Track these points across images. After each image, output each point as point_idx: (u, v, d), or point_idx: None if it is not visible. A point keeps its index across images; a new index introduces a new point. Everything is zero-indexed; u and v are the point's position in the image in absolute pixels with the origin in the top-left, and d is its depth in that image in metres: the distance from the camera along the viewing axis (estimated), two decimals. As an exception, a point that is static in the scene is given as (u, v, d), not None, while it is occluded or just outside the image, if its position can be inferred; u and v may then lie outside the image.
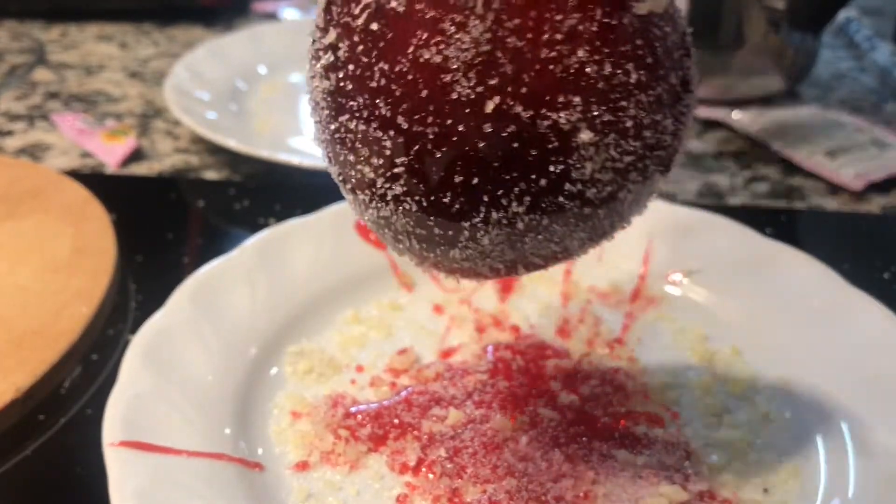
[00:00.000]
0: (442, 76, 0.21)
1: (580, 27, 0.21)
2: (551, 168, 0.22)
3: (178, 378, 0.34)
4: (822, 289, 0.38)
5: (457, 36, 0.21)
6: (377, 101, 0.22)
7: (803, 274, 0.39)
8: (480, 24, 0.21)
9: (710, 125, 0.63)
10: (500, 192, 0.22)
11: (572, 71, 0.21)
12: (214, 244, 0.49)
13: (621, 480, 0.31)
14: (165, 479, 0.29)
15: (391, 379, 0.37)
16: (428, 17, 0.21)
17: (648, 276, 0.42)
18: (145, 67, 0.75)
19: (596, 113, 0.21)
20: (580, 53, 0.21)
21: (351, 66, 0.23)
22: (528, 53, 0.21)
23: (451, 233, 0.23)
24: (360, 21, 0.22)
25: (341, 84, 0.23)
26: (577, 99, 0.21)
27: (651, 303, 0.41)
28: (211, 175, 0.56)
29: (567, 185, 0.22)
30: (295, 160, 0.52)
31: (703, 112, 0.63)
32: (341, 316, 0.40)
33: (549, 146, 0.21)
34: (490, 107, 0.21)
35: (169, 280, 0.39)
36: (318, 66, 0.24)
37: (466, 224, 0.23)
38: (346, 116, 0.23)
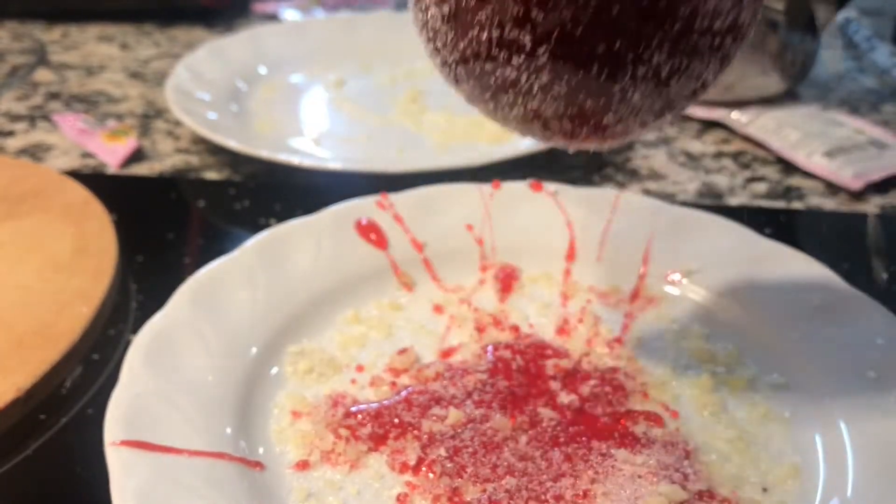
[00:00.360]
0: None
1: None
2: (680, 12, 0.24)
3: (179, 378, 0.34)
4: (821, 289, 0.38)
5: None
6: (506, 5, 0.24)
7: (802, 274, 0.39)
8: None
9: (709, 125, 0.63)
10: (641, 50, 0.24)
11: None
12: (215, 244, 0.49)
13: (620, 479, 0.31)
14: (166, 478, 0.29)
15: (391, 378, 0.37)
16: None
17: (648, 276, 0.42)
18: (146, 68, 0.75)
19: None
20: None
21: None
22: None
23: (603, 100, 0.25)
24: None
25: (464, 3, 0.25)
26: None
27: (650, 302, 0.41)
28: (211, 175, 0.56)
29: (697, 24, 0.24)
30: (295, 160, 0.52)
31: (702, 113, 0.63)
32: (341, 316, 0.40)
33: None
34: None
35: (170, 280, 0.39)
36: None
37: (617, 88, 0.25)
38: (476, 30, 0.25)
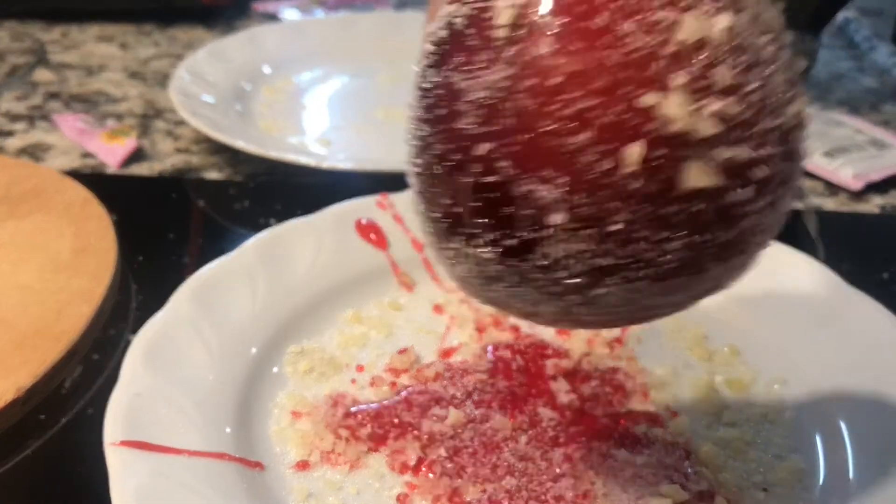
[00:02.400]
0: (456, 103, 0.21)
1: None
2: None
3: (179, 378, 0.34)
4: (821, 289, 0.38)
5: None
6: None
7: (802, 274, 0.39)
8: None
9: (709, 125, 0.63)
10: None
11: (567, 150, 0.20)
12: (215, 244, 0.49)
13: (621, 480, 0.31)
14: (166, 478, 0.29)
15: (391, 378, 0.37)
16: (470, 43, 0.21)
17: (648, 276, 0.42)
18: (146, 68, 0.75)
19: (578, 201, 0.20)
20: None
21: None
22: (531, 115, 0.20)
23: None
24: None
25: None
26: (562, 179, 0.20)
27: (650, 303, 0.41)
28: (212, 175, 0.56)
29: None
30: (303, 160, 0.52)
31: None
32: (342, 316, 0.40)
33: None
34: (481, 150, 0.20)
35: (170, 280, 0.39)
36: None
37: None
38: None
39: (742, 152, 0.20)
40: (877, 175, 0.54)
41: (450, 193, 0.22)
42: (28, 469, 0.34)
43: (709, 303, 0.40)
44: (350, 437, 0.33)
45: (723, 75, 0.19)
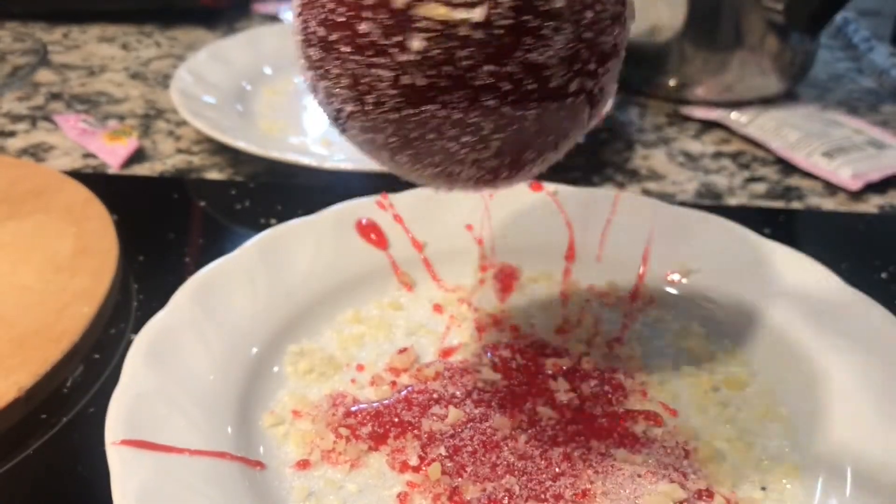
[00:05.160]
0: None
1: None
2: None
3: (180, 377, 0.34)
4: (820, 289, 0.38)
5: None
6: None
7: (801, 274, 0.39)
8: None
9: (708, 126, 0.63)
10: None
11: None
12: (216, 244, 0.49)
13: (620, 479, 0.32)
14: (167, 477, 0.29)
15: (391, 378, 0.37)
16: None
17: (647, 276, 0.42)
18: (147, 68, 0.75)
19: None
20: None
21: None
22: None
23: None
24: None
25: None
26: None
27: (650, 302, 0.41)
28: (213, 175, 0.56)
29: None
30: (304, 160, 0.53)
31: (702, 112, 0.64)
32: (342, 315, 0.40)
33: None
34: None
35: (171, 280, 0.39)
36: None
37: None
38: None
39: None
40: (875, 175, 0.54)
41: None
42: (29, 468, 0.34)
43: (709, 302, 0.41)
44: (350, 437, 0.33)
45: None
